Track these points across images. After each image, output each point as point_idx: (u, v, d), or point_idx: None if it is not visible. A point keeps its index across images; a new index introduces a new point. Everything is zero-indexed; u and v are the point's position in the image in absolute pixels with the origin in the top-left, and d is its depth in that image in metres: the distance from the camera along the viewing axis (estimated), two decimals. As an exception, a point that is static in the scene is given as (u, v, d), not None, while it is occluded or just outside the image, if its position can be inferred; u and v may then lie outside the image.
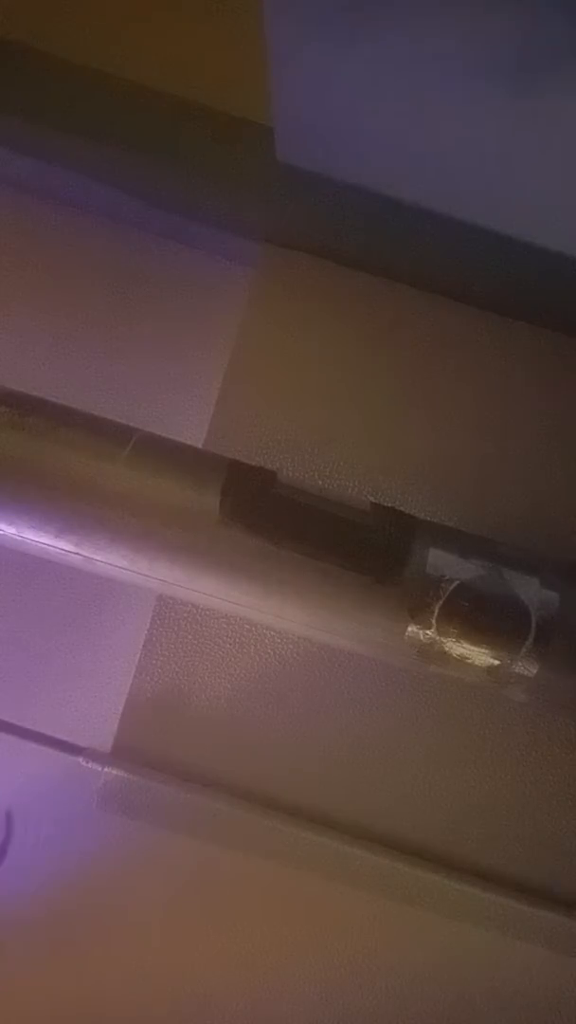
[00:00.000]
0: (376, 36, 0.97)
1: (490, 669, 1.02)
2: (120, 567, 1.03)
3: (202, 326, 1.50)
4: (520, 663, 1.01)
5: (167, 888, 1.35)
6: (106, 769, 1.24)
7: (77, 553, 1.03)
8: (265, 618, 1.09)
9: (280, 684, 1.29)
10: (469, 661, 1.02)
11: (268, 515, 1.02)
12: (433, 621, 1.00)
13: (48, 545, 1.02)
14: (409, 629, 1.01)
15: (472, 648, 1.01)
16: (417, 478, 1.33)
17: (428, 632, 1.01)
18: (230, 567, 1.02)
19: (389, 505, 1.11)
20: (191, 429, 1.27)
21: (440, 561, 1.02)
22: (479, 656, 1.02)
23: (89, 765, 1.25)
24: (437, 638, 1.01)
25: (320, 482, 1.32)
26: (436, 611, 1.00)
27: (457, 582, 1.01)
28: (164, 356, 1.51)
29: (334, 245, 1.37)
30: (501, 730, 1.29)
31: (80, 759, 1.26)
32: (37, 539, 1.02)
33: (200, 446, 1.27)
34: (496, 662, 1.02)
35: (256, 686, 1.29)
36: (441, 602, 1.00)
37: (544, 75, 0.93)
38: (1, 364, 1.38)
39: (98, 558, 1.03)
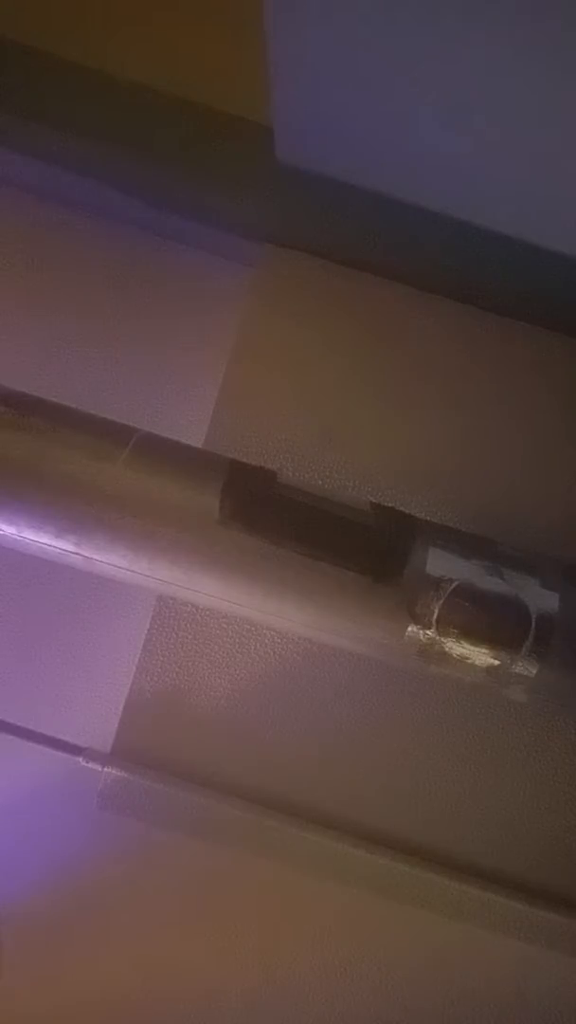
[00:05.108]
0: (376, 36, 0.97)
1: (490, 669, 1.02)
2: (120, 567, 1.03)
3: (202, 326, 1.50)
4: (520, 663, 1.01)
5: (167, 888, 1.35)
6: (106, 769, 1.24)
7: (77, 553, 1.03)
8: (265, 618, 1.09)
9: (280, 684, 1.29)
10: (469, 661, 1.02)
11: (268, 515, 1.02)
12: (433, 621, 1.00)
13: (48, 545, 1.02)
14: (409, 629, 1.01)
15: (472, 648, 1.01)
16: (417, 478, 1.33)
17: (428, 632, 1.01)
18: (230, 567, 1.02)
19: (389, 505, 1.11)
20: (191, 429, 1.27)
21: (440, 561, 1.02)
22: (479, 656, 1.02)
23: (89, 765, 1.25)
24: (437, 638, 1.01)
25: (320, 482, 1.32)
26: (436, 611, 1.00)
27: (457, 582, 1.01)
28: (164, 356, 1.51)
29: (334, 245, 1.37)
30: (501, 730, 1.29)
31: (80, 759, 1.26)
32: (37, 539, 1.02)
33: (200, 446, 1.26)
34: (496, 662, 1.02)
35: (256, 686, 1.29)
36: (441, 602, 1.00)
37: (545, 74, 0.93)
38: (1, 364, 1.38)
39: (98, 558, 1.03)
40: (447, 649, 1.02)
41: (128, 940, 1.35)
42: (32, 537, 1.02)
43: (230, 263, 1.48)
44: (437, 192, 1.19)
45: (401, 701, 1.29)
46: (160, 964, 1.34)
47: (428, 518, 1.13)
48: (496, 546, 1.09)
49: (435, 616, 1.00)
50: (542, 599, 1.02)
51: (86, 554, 1.02)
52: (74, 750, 1.28)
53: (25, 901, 1.36)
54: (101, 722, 1.30)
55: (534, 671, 1.02)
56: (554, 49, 0.88)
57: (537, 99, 0.96)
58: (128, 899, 1.35)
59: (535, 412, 1.37)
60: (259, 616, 1.08)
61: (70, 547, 1.02)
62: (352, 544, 1.02)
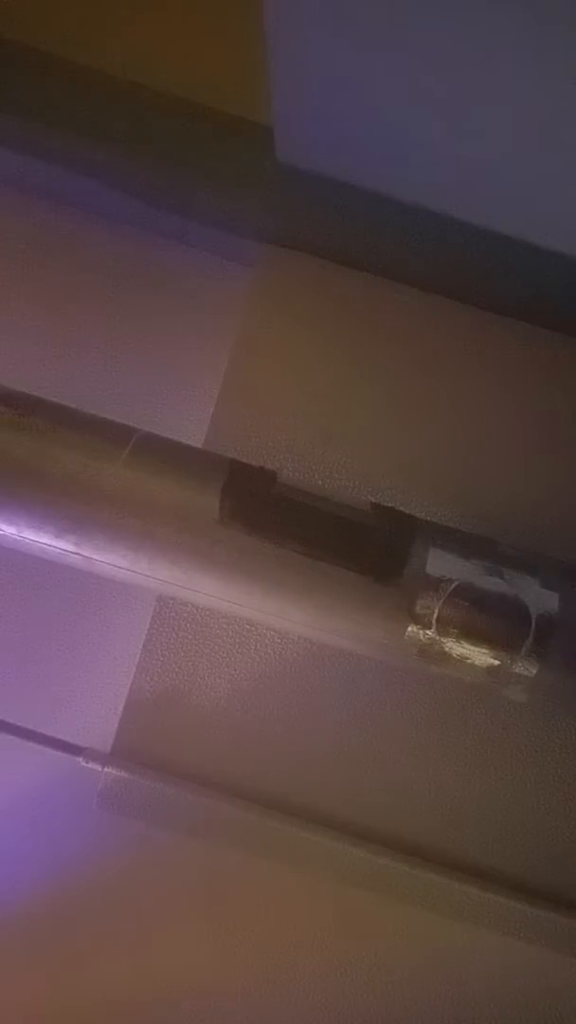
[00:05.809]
0: (376, 36, 0.97)
1: (490, 669, 1.02)
2: (120, 567, 1.03)
3: (202, 326, 1.50)
4: (520, 663, 1.01)
5: (167, 888, 1.35)
6: (106, 769, 1.24)
7: (77, 553, 1.03)
8: (265, 618, 1.09)
9: (280, 684, 1.29)
10: (469, 661, 1.02)
11: (268, 515, 1.02)
12: (433, 621, 1.00)
13: (48, 545, 1.02)
14: (409, 629, 1.01)
15: (472, 648, 1.01)
16: (417, 478, 1.33)
17: (428, 632, 1.01)
18: (230, 567, 1.02)
19: (389, 505, 1.11)
20: (191, 429, 1.27)
21: (440, 561, 1.02)
22: (479, 656, 1.02)
23: (89, 765, 1.25)
24: (437, 638, 1.01)
25: (320, 482, 1.32)
26: (436, 611, 1.00)
27: (457, 582, 1.01)
28: (164, 356, 1.51)
29: (334, 245, 1.37)
30: (501, 730, 1.29)
31: (80, 759, 1.26)
32: (37, 539, 1.02)
33: (200, 446, 1.27)
34: (496, 662, 1.02)
35: (256, 686, 1.29)
36: (441, 602, 1.00)
37: (545, 74, 0.93)
38: (1, 364, 1.38)
39: (98, 558, 1.03)
40: (447, 649, 1.02)
41: (128, 940, 1.35)
42: (32, 537, 1.02)
43: (230, 263, 1.48)
44: (437, 192, 1.19)
45: (401, 701, 1.29)
46: (160, 964, 1.34)
47: (428, 518, 1.13)
48: (496, 546, 1.09)
49: (435, 616, 1.00)
50: (542, 599, 1.02)
51: (86, 554, 1.02)
52: (74, 750, 1.28)
53: (25, 901, 1.36)
54: (101, 722, 1.30)
55: (534, 671, 1.02)
56: (554, 50, 0.88)
57: (537, 99, 0.96)
58: (128, 899, 1.35)
59: (535, 412, 1.36)
60: (259, 616, 1.08)
61: (70, 547, 1.02)
62: (352, 544, 1.02)
